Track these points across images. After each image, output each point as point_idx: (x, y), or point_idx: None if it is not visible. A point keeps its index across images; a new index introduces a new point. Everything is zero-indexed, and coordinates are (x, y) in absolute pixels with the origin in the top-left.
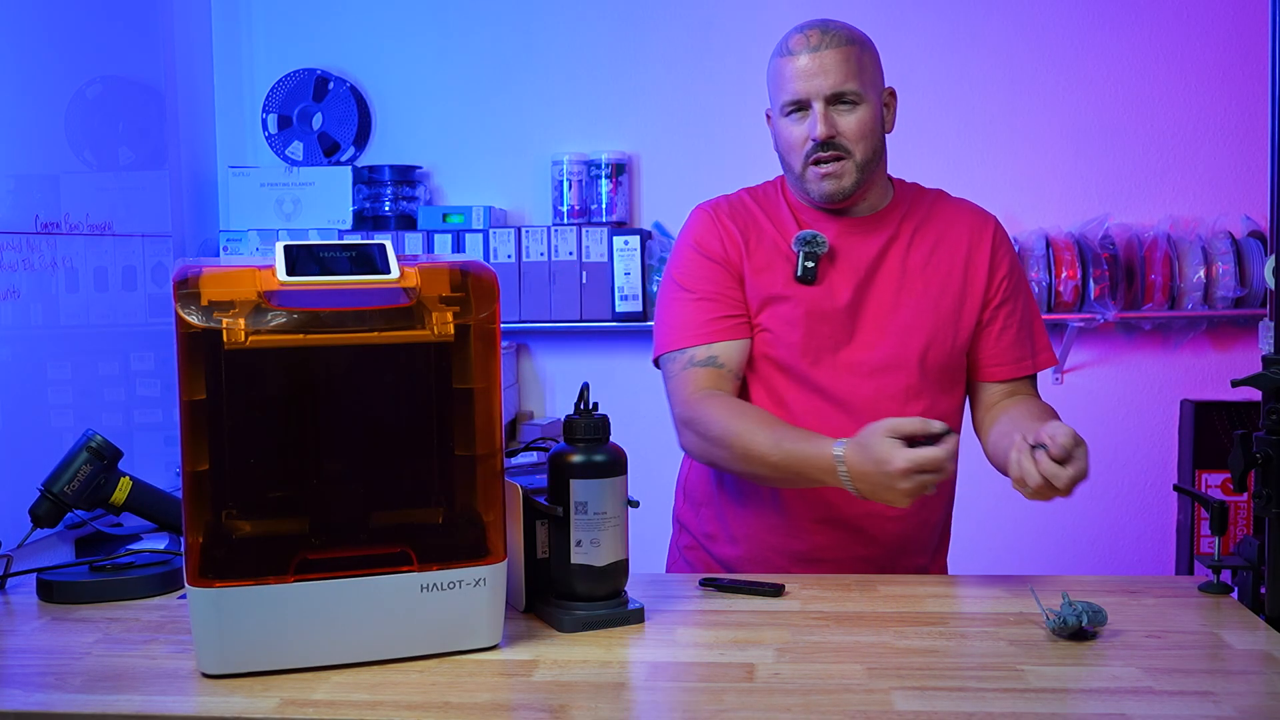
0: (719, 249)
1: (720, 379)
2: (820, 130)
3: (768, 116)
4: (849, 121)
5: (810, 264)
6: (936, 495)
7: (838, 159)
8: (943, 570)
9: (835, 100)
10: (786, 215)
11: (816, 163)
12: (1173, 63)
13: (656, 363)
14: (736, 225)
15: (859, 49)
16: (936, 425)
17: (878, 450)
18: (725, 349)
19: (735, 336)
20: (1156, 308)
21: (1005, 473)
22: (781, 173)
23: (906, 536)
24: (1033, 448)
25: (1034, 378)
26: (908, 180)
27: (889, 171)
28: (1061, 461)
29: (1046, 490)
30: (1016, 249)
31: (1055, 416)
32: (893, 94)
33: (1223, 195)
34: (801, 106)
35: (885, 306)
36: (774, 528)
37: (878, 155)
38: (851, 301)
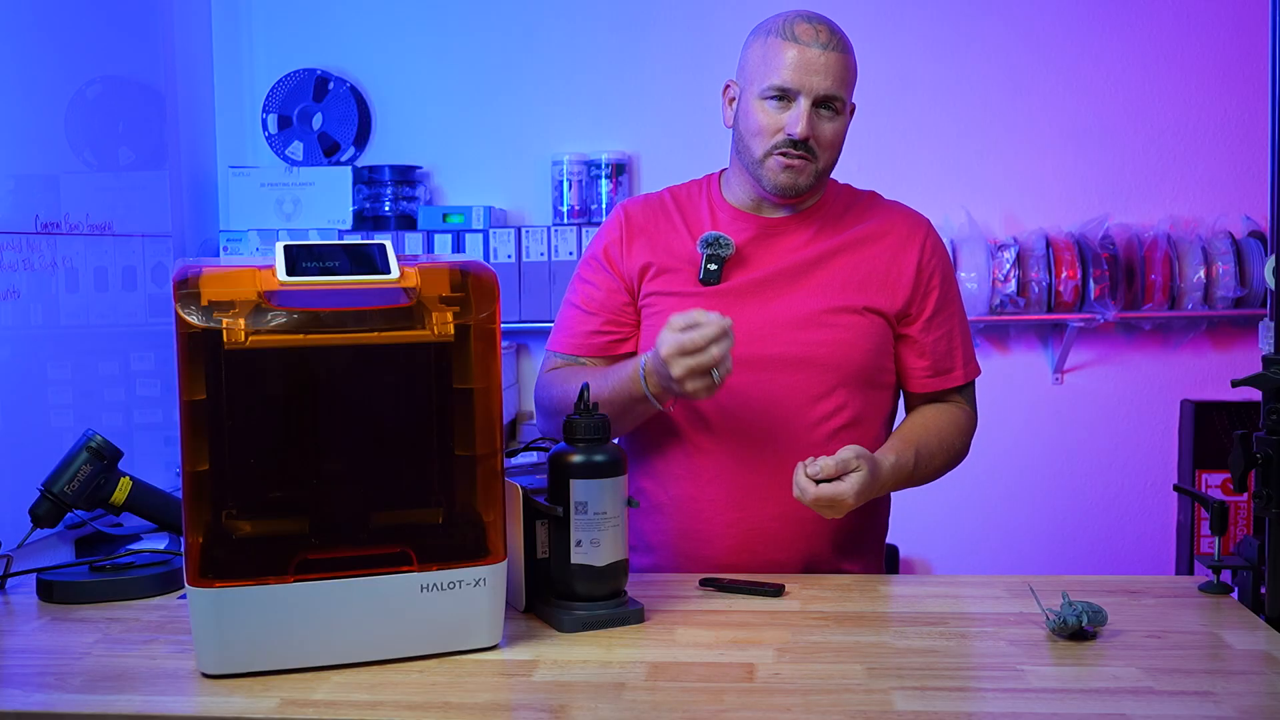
0: (618, 260)
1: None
2: (802, 129)
3: (726, 88)
4: (826, 129)
5: (713, 266)
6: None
7: (803, 159)
8: (878, 573)
9: (821, 103)
10: (705, 216)
11: (784, 154)
12: (1173, 63)
13: None
14: (645, 230)
15: (853, 59)
16: (711, 316)
17: (657, 342)
18: (592, 360)
19: (600, 354)
20: (1156, 308)
21: None
22: (714, 171)
23: (820, 541)
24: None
25: (965, 386)
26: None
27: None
28: (830, 479)
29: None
30: (1016, 249)
31: (958, 427)
32: (854, 109)
33: (1223, 195)
34: (788, 97)
35: (798, 306)
36: (686, 535)
37: (834, 165)
38: (760, 302)
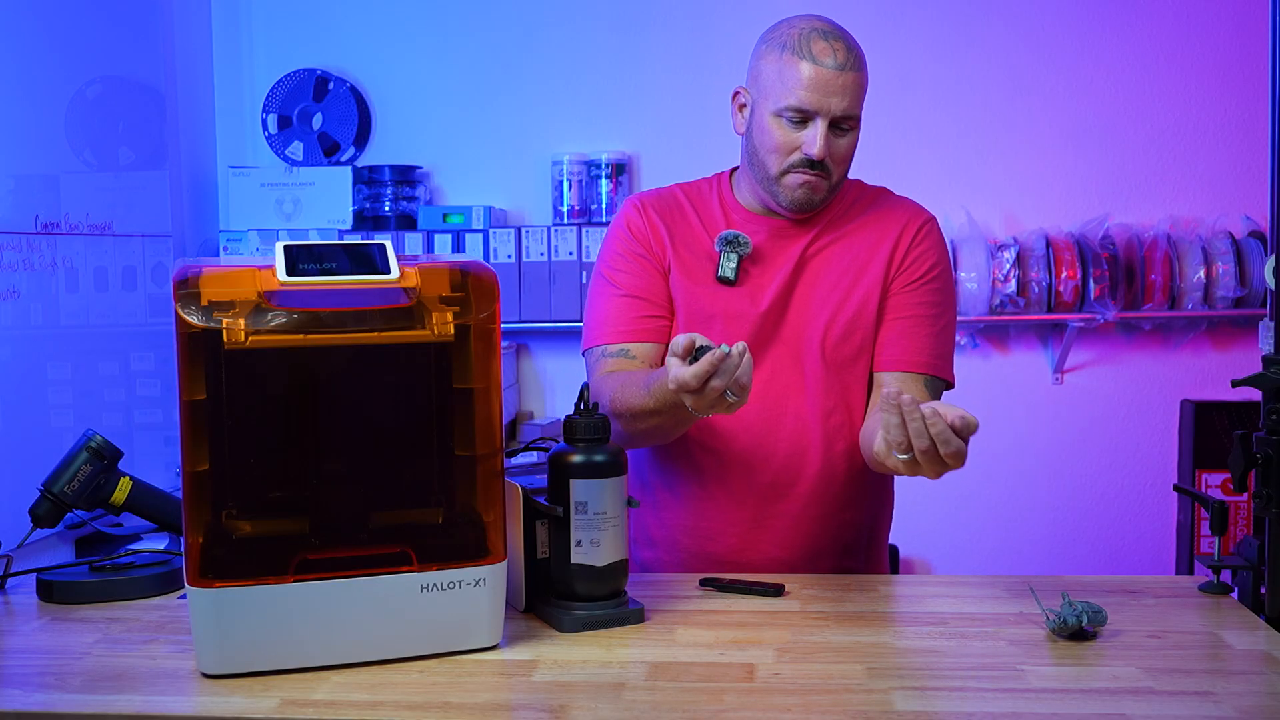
0: (645, 242)
1: (626, 367)
2: (819, 150)
3: (735, 95)
4: (840, 145)
5: (731, 264)
6: (853, 496)
7: (820, 176)
8: (880, 571)
9: (836, 122)
10: (717, 214)
11: (800, 173)
12: (1173, 63)
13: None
14: (663, 220)
15: (866, 73)
16: (705, 343)
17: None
18: (640, 348)
19: (653, 339)
20: (1156, 308)
21: (871, 458)
22: (722, 170)
23: (824, 538)
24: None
25: (934, 386)
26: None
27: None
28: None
29: (932, 459)
30: (1016, 249)
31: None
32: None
33: (1223, 195)
34: (805, 117)
35: (804, 305)
36: (689, 531)
37: (847, 175)
38: (774, 303)
